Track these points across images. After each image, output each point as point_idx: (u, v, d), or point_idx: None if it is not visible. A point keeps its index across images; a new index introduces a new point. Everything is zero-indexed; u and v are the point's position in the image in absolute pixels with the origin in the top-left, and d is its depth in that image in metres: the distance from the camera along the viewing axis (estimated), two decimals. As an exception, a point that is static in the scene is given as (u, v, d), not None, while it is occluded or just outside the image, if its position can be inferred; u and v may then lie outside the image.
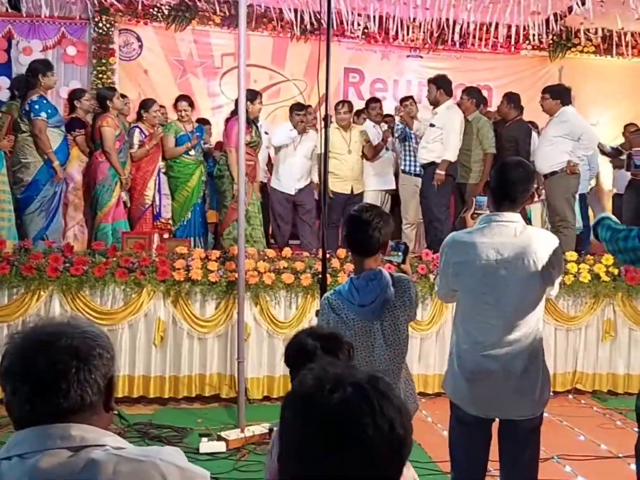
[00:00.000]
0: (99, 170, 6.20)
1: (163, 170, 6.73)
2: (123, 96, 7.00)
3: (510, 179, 2.94)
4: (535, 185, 3.07)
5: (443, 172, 6.43)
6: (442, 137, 6.46)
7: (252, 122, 6.46)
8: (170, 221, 6.67)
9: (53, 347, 1.36)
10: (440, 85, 6.58)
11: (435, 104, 6.63)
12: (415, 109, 7.15)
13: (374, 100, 7.75)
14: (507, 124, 7.04)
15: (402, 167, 7.25)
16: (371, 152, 7.25)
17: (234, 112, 6.38)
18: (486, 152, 6.77)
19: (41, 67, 6.05)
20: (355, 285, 2.82)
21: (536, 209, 6.82)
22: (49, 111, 5.96)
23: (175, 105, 6.82)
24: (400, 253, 3.04)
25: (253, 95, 6.52)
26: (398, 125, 7.20)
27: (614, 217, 2.86)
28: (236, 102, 6.51)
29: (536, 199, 6.77)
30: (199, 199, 6.76)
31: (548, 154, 6.35)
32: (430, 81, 6.73)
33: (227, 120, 6.46)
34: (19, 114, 6.01)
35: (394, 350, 2.82)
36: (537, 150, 6.61)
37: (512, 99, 7.06)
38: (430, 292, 5.55)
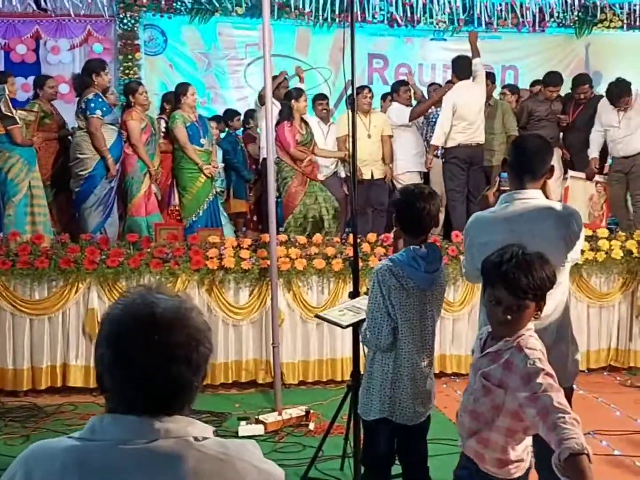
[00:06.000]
0: (128, 163, 6.30)
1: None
2: None
3: (527, 150, 2.96)
4: (558, 157, 3.07)
5: (430, 157, 6.78)
6: None
7: (302, 120, 6.50)
8: (178, 208, 6.62)
9: (162, 356, 1.27)
10: (453, 68, 6.77)
11: None
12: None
13: (404, 83, 7.64)
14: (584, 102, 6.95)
15: None
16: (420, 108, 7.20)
17: (281, 116, 6.42)
18: (509, 134, 6.84)
19: (95, 67, 6.20)
20: (418, 253, 2.94)
21: (577, 186, 6.68)
22: (104, 109, 6.08)
23: (184, 94, 6.46)
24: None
25: (298, 93, 6.53)
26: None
27: None
28: (282, 105, 6.57)
29: (581, 173, 6.70)
30: (214, 189, 6.64)
31: (632, 136, 6.42)
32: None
33: (277, 124, 6.28)
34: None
35: (437, 316, 3.10)
36: (619, 136, 6.54)
37: (589, 79, 7.14)
38: (460, 274, 5.56)
